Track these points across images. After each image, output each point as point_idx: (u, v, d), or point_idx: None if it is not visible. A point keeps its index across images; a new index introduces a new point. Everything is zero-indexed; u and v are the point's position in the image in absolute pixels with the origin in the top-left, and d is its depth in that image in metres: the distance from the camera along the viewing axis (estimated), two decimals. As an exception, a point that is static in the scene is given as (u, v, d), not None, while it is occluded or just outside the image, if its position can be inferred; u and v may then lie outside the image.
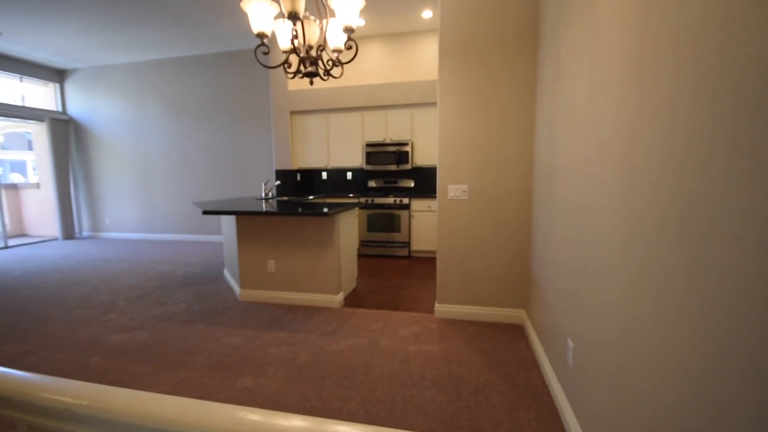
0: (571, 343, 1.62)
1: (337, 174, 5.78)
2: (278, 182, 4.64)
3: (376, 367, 2.18)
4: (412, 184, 5.49)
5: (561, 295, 1.83)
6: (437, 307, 2.94)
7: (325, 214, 2.84)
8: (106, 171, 6.96)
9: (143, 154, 6.70)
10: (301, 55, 1.77)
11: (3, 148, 10.01)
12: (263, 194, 4.60)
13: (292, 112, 5.51)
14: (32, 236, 7.34)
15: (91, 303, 3.36)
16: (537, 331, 2.37)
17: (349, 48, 1.81)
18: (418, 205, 4.92)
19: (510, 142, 2.68)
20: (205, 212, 3.03)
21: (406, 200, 4.93)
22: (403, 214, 4.95)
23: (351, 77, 5.46)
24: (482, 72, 2.67)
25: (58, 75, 6.87)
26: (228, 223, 3.77)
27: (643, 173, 1.03)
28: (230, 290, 3.67)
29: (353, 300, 3.34)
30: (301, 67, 1.83)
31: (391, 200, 4.99)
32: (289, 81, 5.43)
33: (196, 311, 3.12)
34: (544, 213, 2.24)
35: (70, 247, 6.06)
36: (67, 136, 6.89)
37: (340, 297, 3.22)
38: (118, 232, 7.03)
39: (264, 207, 3.31)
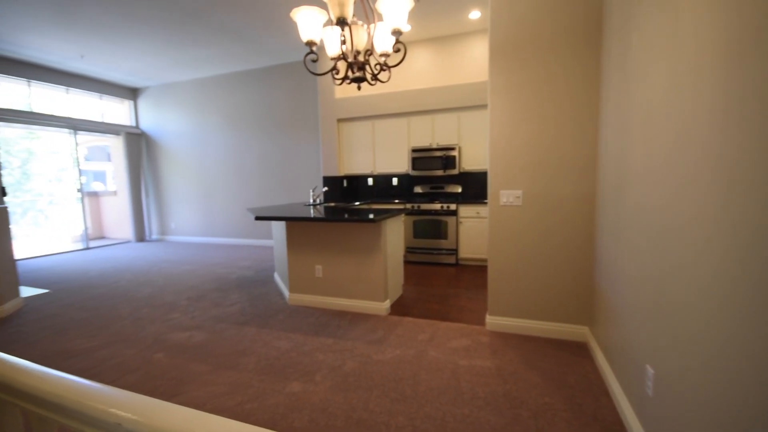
0: (650, 370, 1.42)
1: (383, 180, 5.78)
2: (326, 188, 4.73)
3: (424, 381, 2.09)
4: (460, 190, 5.32)
5: (635, 312, 1.62)
6: (488, 319, 2.78)
7: (372, 221, 2.81)
8: (172, 179, 7.56)
9: (204, 164, 7.18)
10: (349, 60, 1.76)
11: (86, 160, 11.28)
12: (311, 200, 4.71)
13: (339, 120, 5.61)
14: (110, 238, 8.15)
15: (157, 302, 3.61)
16: (604, 352, 2.14)
17: (397, 51, 1.77)
18: (466, 211, 4.76)
19: (568, 144, 2.48)
20: (257, 218, 3.14)
21: (453, 206, 4.79)
22: (451, 220, 4.81)
23: (397, 82, 5.44)
24: (537, 71, 2.50)
25: (131, 93, 7.61)
26: (278, 228, 3.89)
27: (745, 174, 0.86)
28: (280, 294, 3.77)
29: (399, 308, 3.27)
30: (349, 73, 1.82)
31: (437, 206, 4.87)
32: (336, 89, 5.54)
33: (249, 313, 3.23)
34: (612, 219, 2.02)
35: (141, 249, 6.63)
36: (139, 148, 7.60)
37: (387, 304, 3.16)
38: (181, 236, 7.59)
39: (312, 213, 3.36)
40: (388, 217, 3.11)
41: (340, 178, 5.71)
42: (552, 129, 2.51)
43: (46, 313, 3.38)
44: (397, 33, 1.64)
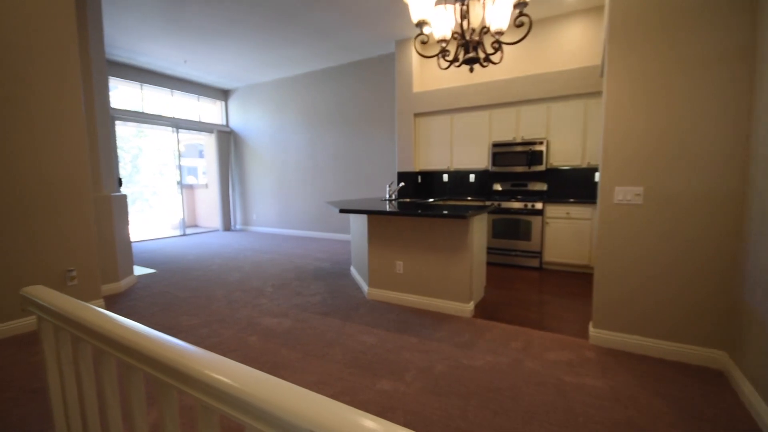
0: None
1: (458, 176, 5.55)
2: (402, 184, 4.66)
3: (526, 394, 1.89)
4: (545, 188, 4.91)
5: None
6: (593, 332, 2.47)
7: (462, 217, 2.65)
8: (255, 174, 8.10)
9: (282, 160, 7.57)
10: (464, 39, 1.62)
11: (183, 156, 12.61)
12: (387, 195, 4.67)
13: (416, 114, 5.50)
14: (201, 227, 9.00)
15: (246, 287, 3.83)
16: (756, 386, 1.75)
17: (520, 25, 1.60)
18: (554, 210, 4.36)
19: (705, 132, 2.08)
20: (342, 210, 3.15)
21: (539, 205, 4.42)
22: (535, 220, 4.45)
23: (478, 73, 5.18)
24: (666, 48, 2.13)
25: (223, 94, 8.29)
26: (358, 222, 3.90)
27: None
28: (357, 287, 3.78)
29: (484, 311, 3.07)
30: (459, 55, 1.69)
31: (520, 205, 4.54)
32: (414, 82, 5.43)
33: (330, 305, 3.27)
34: (780, 225, 1.63)
35: (227, 238, 7.20)
36: (228, 145, 8.26)
37: (471, 306, 2.99)
38: (261, 227, 8.11)
39: (388, 208, 3.29)
40: (477, 214, 2.92)
41: (415, 174, 5.61)
42: (684, 115, 2.13)
43: (155, 290, 3.76)
44: (521, 4, 1.47)
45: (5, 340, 2.59)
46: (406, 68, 5.45)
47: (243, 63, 6.47)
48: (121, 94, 6.81)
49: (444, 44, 1.69)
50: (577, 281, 3.95)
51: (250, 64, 6.51)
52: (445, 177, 5.68)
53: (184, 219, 7.91)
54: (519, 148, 4.77)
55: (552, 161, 4.64)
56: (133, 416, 0.81)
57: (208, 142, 8.78)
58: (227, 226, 8.32)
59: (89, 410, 1.00)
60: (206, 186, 9.15)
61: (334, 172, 6.88)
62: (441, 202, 4.92)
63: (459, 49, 1.67)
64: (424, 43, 1.47)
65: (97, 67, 3.56)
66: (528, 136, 4.75)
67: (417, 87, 5.48)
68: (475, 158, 5.13)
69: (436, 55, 1.74)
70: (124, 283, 3.78)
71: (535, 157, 4.66)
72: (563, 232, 4.32)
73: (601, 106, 2.35)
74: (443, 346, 2.43)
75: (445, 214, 2.68)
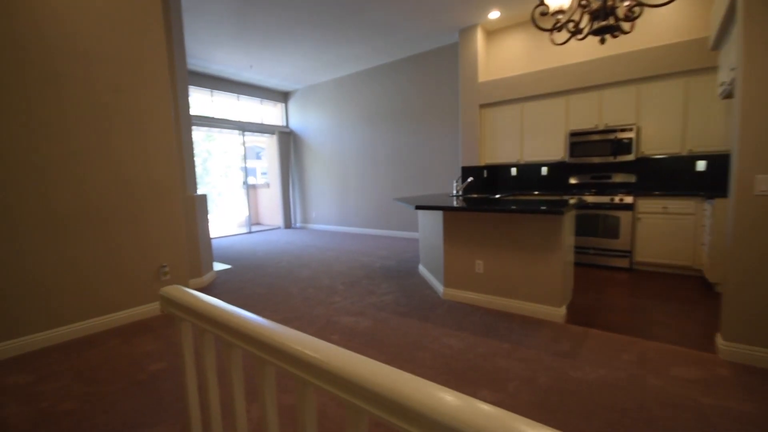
0: None
1: (529, 170, 5.19)
2: (471, 179, 4.43)
3: (660, 418, 1.62)
4: (634, 179, 4.41)
5: None
6: (723, 345, 2.11)
7: (557, 212, 2.40)
8: (313, 173, 8.27)
9: (340, 158, 7.63)
10: (595, 6, 1.41)
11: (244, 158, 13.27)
12: (454, 191, 4.47)
13: (482, 106, 5.22)
14: (264, 224, 9.39)
15: (317, 284, 3.86)
16: None
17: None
18: (647, 205, 3.89)
19: None
20: (417, 207, 3.02)
21: (628, 199, 3.97)
22: (624, 215, 4.00)
23: (553, 57, 4.79)
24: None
25: (283, 96, 8.55)
26: (429, 219, 3.76)
27: None
28: (429, 286, 3.64)
29: (577, 316, 2.78)
30: (582, 25, 1.47)
31: (605, 199, 4.11)
32: (480, 72, 5.16)
33: (405, 304, 3.16)
34: None
35: (290, 235, 7.42)
36: (288, 145, 8.51)
37: (563, 311, 2.72)
38: (320, 224, 8.26)
39: (454, 203, 3.10)
40: (571, 210, 2.65)
41: (480, 169, 5.34)
42: None
43: (234, 285, 3.91)
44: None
45: (109, 331, 2.79)
46: (470, 57, 5.19)
47: (303, 64, 6.59)
48: (194, 100, 7.26)
49: (560, 16, 1.48)
50: (679, 284, 3.48)
51: (310, 65, 6.62)
52: (514, 171, 5.34)
53: (249, 217, 8.29)
54: (602, 137, 4.33)
55: (643, 149, 4.15)
56: (265, 406, 0.78)
57: (269, 144, 9.13)
58: (288, 224, 8.59)
59: (212, 398, 0.98)
60: (268, 186, 9.54)
61: (392, 169, 6.79)
62: (511, 197, 4.61)
63: (583, 17, 1.45)
64: (543, 14, 1.29)
65: (180, 76, 3.75)
66: (613, 122, 4.29)
67: (483, 76, 5.21)
68: (548, 149, 4.75)
69: (561, 25, 1.53)
70: (206, 278, 3.97)
71: (622, 146, 4.20)
72: (659, 228, 3.83)
73: (736, 84, 1.98)
74: (542, 355, 2.21)
75: (540, 209, 2.44)
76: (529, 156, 4.92)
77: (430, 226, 3.73)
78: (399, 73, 6.48)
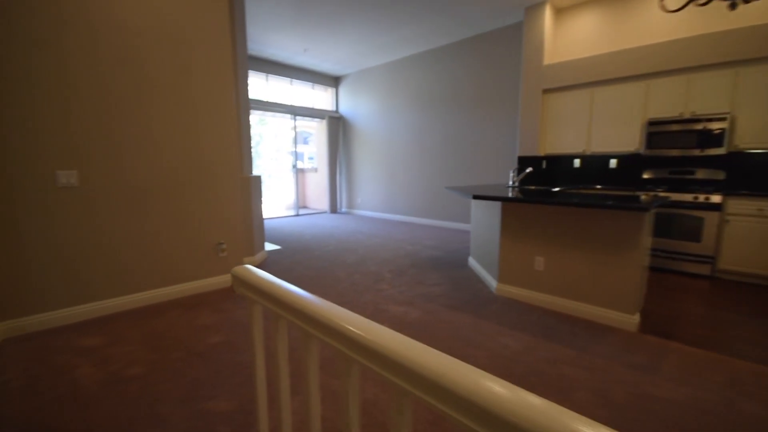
0: None
1: (594, 161, 4.76)
2: (530, 169, 4.14)
3: (768, 455, 1.39)
4: (722, 177, 3.89)
5: None
6: None
7: (641, 209, 2.13)
8: (360, 158, 8.25)
9: (389, 144, 7.53)
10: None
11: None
12: (511, 182, 4.21)
13: (545, 91, 4.85)
14: (310, 208, 9.60)
15: (363, 270, 3.83)
16: None
17: None
18: (738, 206, 3.41)
19: None
20: (476, 197, 2.86)
21: (716, 198, 3.50)
22: (709, 216, 3.54)
23: (631, 35, 4.30)
24: None
25: (334, 81, 8.55)
26: (483, 210, 3.57)
27: None
28: (480, 280, 3.48)
29: (652, 326, 2.50)
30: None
31: (688, 197, 3.66)
32: (546, 54, 4.77)
33: (455, 297, 3.03)
34: None
35: (336, 220, 7.50)
36: (337, 130, 8.54)
37: (636, 318, 2.45)
38: (365, 210, 8.27)
39: (510, 194, 2.87)
40: (656, 207, 2.35)
41: (539, 159, 4.99)
42: None
43: (284, 266, 4.00)
44: None
45: (172, 301, 2.94)
46: (536, 38, 4.81)
47: (358, 48, 6.50)
48: (250, 84, 7.46)
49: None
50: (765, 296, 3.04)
51: (364, 48, 6.51)
52: (577, 162, 4.93)
53: (297, 200, 8.48)
54: (686, 126, 3.84)
55: (737, 142, 3.63)
56: (347, 400, 0.71)
57: (318, 128, 9.23)
58: (334, 209, 8.69)
59: (282, 387, 0.93)
60: (315, 170, 9.69)
61: (442, 157, 6.58)
62: (574, 191, 4.25)
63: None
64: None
65: (241, 60, 3.81)
66: (701, 110, 3.78)
67: (548, 59, 4.81)
68: (621, 139, 4.31)
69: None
70: (258, 257, 4.09)
71: (711, 138, 3.69)
72: (753, 233, 3.35)
73: None
74: (613, 366, 1.99)
75: (623, 205, 2.19)
76: (597, 146, 4.50)
77: (484, 217, 3.54)
78: (454, 56, 6.20)
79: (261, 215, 4.26)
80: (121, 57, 2.58)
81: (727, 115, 3.61)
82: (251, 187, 3.95)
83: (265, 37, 6.00)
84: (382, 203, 7.86)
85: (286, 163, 9.48)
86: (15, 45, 2.20)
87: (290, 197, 9.02)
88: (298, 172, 9.75)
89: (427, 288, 3.28)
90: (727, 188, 3.63)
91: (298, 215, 8.25)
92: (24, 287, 2.34)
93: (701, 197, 3.58)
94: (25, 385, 1.82)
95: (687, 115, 3.86)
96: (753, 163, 3.72)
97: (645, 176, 4.37)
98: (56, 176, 2.38)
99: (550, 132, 4.89)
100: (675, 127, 3.90)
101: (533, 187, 4.47)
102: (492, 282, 3.23)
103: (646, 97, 4.11)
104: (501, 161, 5.75)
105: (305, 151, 13.18)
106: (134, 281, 2.78)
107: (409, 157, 7.17)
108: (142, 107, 2.70)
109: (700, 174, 4.02)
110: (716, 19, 3.79)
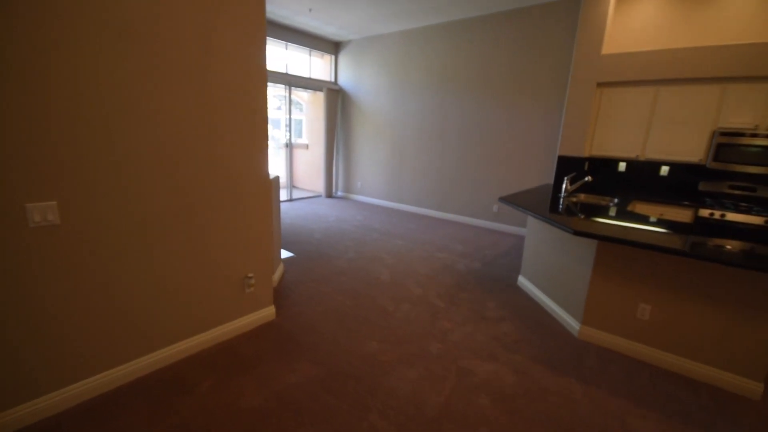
0: None
1: (643, 168, 4.38)
2: (589, 178, 3.69)
3: None
4: (788, 196, 3.64)
5: None
6: None
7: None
8: (362, 138, 7.44)
9: (397, 125, 6.77)
10: None
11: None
12: (563, 191, 3.75)
13: (600, 84, 4.31)
14: (301, 189, 8.73)
15: (408, 294, 3.29)
16: None
17: None
18: (818, 234, 3.18)
19: None
20: (577, 233, 2.34)
21: (794, 224, 3.24)
22: (784, 243, 3.29)
23: (706, 31, 3.81)
24: None
25: (333, 47, 7.49)
26: (552, 228, 3.09)
27: None
28: (546, 314, 3.06)
29: (775, 392, 2.21)
30: None
31: (758, 220, 3.38)
32: (606, 43, 4.19)
33: (538, 345, 2.59)
34: None
35: (337, 208, 6.78)
36: (336, 104, 7.60)
37: (761, 386, 2.14)
38: (365, 196, 7.59)
39: (559, 205, 2.41)
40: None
41: (581, 160, 4.54)
42: None
43: (309, 290, 3.37)
44: None
45: (192, 361, 2.27)
46: (596, 19, 4.19)
47: (371, 12, 5.53)
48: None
49: None
50: None
51: (380, 13, 5.56)
52: (622, 166, 4.53)
53: (290, 184, 7.62)
54: (763, 141, 3.50)
55: (817, 163, 3.34)
56: None
57: (312, 100, 8.23)
58: (329, 192, 7.93)
59: None
60: (306, 147, 8.75)
61: (464, 146, 5.97)
62: (645, 207, 3.85)
63: None
64: None
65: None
66: (781, 124, 3.44)
67: (608, 48, 4.24)
68: (683, 147, 3.93)
69: None
70: (276, 276, 3.42)
71: (791, 156, 3.38)
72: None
73: None
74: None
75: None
76: (654, 152, 4.10)
77: (553, 238, 3.07)
78: (487, 30, 5.43)
79: (279, 221, 3.54)
80: (118, 27, 1.71)
81: (812, 133, 3.29)
82: (272, 191, 3.19)
83: (266, -9, 4.90)
84: (386, 190, 7.20)
85: (278, 139, 8.45)
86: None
87: (282, 177, 8.09)
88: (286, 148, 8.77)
89: (495, 326, 2.82)
90: (801, 212, 3.38)
91: (292, 200, 7.43)
92: (-13, 374, 1.60)
93: (776, 221, 3.31)
94: None
95: (764, 128, 3.51)
96: (828, 186, 3.48)
97: (702, 188, 4.06)
98: (27, 212, 1.58)
99: (601, 131, 4.42)
100: (750, 141, 3.55)
101: (583, 197, 4.04)
102: (569, 320, 2.82)
103: (719, 104, 3.70)
104: (534, 158, 5.25)
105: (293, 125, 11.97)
106: (144, 340, 2.07)
107: (422, 142, 6.48)
108: (150, 102, 1.87)
109: (762, 192, 3.75)
110: (812, 20, 3.37)
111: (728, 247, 2.16)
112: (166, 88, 1.92)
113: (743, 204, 3.66)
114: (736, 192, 3.86)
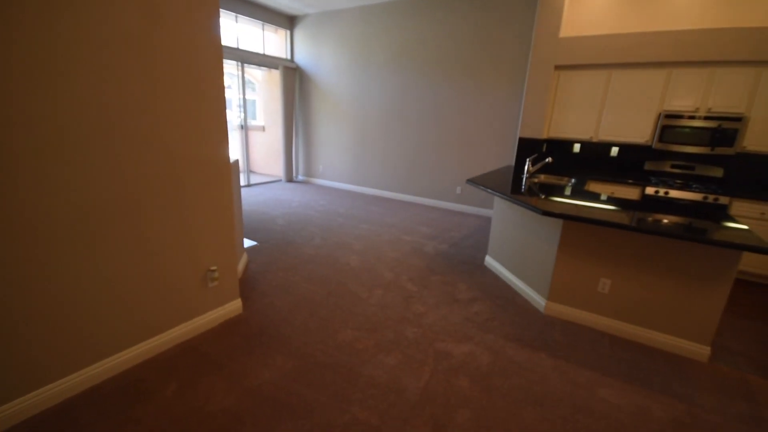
0: None
1: (595, 149, 4.61)
2: (550, 159, 3.81)
3: None
4: (721, 175, 4.00)
5: None
6: None
7: (760, 249, 1.90)
8: (323, 120, 7.17)
9: (361, 106, 6.58)
10: None
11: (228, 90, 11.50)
12: (525, 172, 3.85)
13: (558, 67, 4.43)
14: (258, 174, 8.30)
15: (380, 280, 3.25)
16: None
17: None
18: (743, 208, 3.53)
19: None
20: (546, 213, 2.39)
21: (724, 199, 3.58)
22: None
23: (656, 18, 4.01)
24: None
25: (289, 22, 7.04)
26: (518, 209, 3.16)
27: None
28: (514, 292, 3.16)
29: (722, 355, 2.45)
30: None
31: (697, 196, 3.70)
32: (564, 26, 4.28)
33: (508, 322, 2.67)
34: None
35: (299, 193, 6.54)
36: (293, 83, 7.22)
37: (708, 350, 2.36)
38: (328, 180, 7.39)
39: (525, 187, 2.53)
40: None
41: (539, 142, 4.69)
42: None
43: (277, 279, 3.22)
44: None
45: (152, 363, 2.08)
46: (554, 2, 4.26)
47: (330, -16, 5.23)
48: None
49: None
50: (775, 301, 3.27)
51: (339, -15, 5.27)
52: (577, 148, 4.74)
53: (248, 168, 7.20)
54: (702, 123, 3.79)
55: (746, 144, 3.69)
56: None
57: (268, 79, 7.77)
58: (289, 177, 7.62)
59: None
60: (263, 129, 8.30)
61: (427, 127, 5.93)
62: (599, 184, 4.05)
63: None
64: None
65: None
66: (717, 107, 3.74)
67: (565, 31, 4.34)
68: (632, 129, 4.16)
69: None
70: (240, 266, 3.22)
71: (725, 137, 3.70)
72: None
73: None
74: (730, 425, 1.84)
75: (741, 245, 1.92)
76: (606, 134, 4.32)
77: (520, 218, 3.15)
78: (449, 10, 5.35)
79: (241, 208, 3.32)
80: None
81: (743, 116, 3.61)
82: (232, 175, 2.96)
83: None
84: (349, 174, 7.04)
85: (230, 121, 7.89)
86: None
87: (239, 161, 7.63)
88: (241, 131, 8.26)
89: (466, 307, 2.87)
90: (727, 189, 3.72)
91: (250, 185, 7.04)
92: None
93: (710, 198, 3.64)
94: None
95: (703, 112, 3.80)
96: (757, 166, 3.84)
97: (647, 168, 4.35)
98: (-70, 206, 1.30)
99: (557, 114, 4.57)
100: (690, 123, 3.83)
101: (543, 177, 4.19)
102: (535, 297, 2.93)
103: (665, 87, 3.94)
104: (494, 140, 5.35)
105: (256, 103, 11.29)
106: (94, 346, 1.85)
107: (385, 123, 6.37)
108: (89, 76, 1.60)
109: (700, 170, 4.09)
110: (745, 14, 3.64)
111: (665, 221, 2.32)
112: (105, 60, 1.65)
113: (678, 181, 3.98)
114: (677, 171, 4.19)
